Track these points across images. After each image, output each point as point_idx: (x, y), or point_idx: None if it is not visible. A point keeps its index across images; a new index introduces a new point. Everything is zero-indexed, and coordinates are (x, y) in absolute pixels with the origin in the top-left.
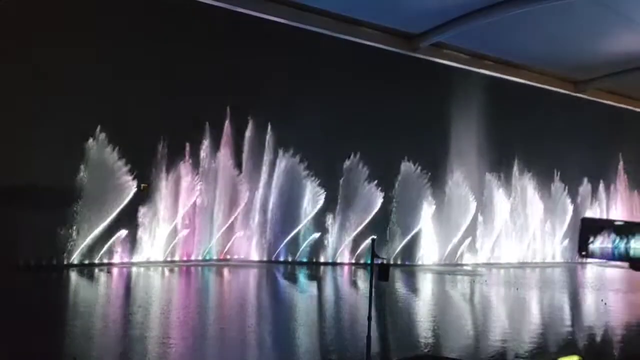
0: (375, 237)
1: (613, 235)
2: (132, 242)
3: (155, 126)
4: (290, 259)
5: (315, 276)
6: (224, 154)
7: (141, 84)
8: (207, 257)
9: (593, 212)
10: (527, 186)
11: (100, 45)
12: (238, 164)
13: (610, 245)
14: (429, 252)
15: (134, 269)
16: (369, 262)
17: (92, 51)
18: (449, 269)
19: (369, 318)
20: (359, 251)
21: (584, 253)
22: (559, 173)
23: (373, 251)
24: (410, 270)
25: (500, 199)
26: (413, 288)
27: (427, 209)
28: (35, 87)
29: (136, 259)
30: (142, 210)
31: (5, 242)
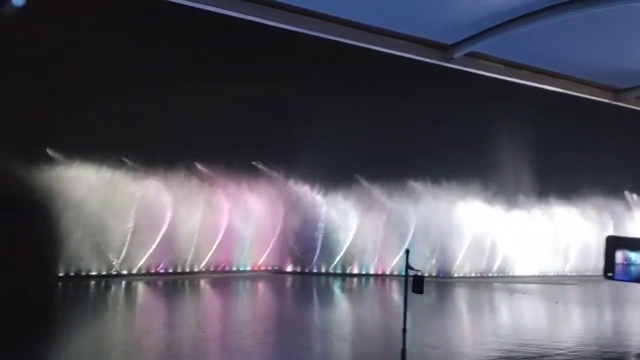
0: (409, 248)
1: None
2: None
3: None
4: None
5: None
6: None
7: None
8: (242, 268)
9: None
10: (569, 200)
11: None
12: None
13: (638, 266)
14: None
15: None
16: (403, 274)
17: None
18: (484, 281)
19: (404, 330)
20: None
21: (609, 274)
22: (602, 185)
23: (407, 263)
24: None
25: (536, 210)
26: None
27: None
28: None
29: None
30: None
31: (46, 251)
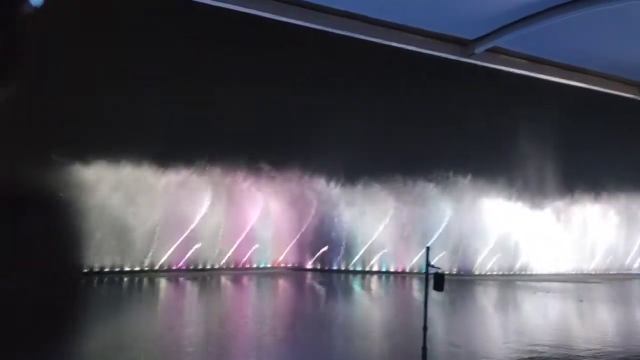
0: (429, 245)
1: None
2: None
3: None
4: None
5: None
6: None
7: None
8: (262, 265)
9: None
10: (597, 196)
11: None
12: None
13: None
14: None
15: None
16: (423, 271)
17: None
18: (506, 279)
19: (425, 328)
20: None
21: None
22: (628, 181)
23: (427, 260)
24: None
25: (568, 207)
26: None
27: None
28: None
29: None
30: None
31: (70, 247)
